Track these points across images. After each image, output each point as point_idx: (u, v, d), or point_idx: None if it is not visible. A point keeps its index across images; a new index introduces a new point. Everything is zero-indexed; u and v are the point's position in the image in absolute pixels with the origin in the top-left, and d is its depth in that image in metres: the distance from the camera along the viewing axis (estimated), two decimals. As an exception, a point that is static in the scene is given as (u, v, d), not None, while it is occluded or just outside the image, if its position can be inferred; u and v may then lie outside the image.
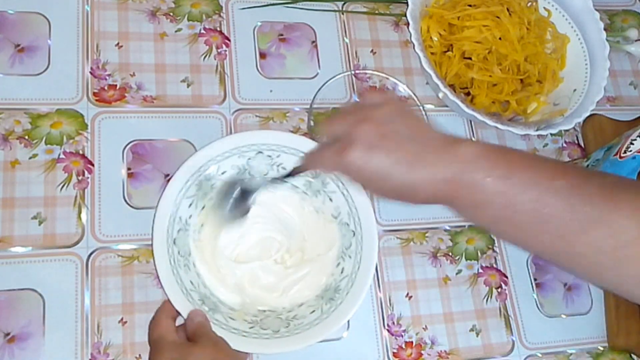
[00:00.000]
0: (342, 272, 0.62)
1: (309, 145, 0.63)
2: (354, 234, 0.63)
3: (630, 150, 0.65)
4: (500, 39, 0.76)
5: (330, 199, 0.65)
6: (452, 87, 0.76)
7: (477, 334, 0.70)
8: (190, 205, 0.61)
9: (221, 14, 0.77)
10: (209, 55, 0.74)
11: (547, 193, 0.43)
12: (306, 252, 0.65)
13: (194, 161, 0.61)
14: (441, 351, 0.68)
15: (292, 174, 0.55)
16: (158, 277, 0.57)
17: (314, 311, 0.60)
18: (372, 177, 0.46)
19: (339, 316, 0.59)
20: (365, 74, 0.78)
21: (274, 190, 0.64)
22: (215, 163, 0.62)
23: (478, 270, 0.73)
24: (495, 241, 0.74)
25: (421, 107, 0.77)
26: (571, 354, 0.72)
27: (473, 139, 0.79)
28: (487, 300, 0.72)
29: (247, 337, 0.57)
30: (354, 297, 0.60)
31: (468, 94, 0.78)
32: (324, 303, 0.61)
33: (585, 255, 0.42)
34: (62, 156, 0.66)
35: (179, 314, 0.57)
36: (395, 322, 0.68)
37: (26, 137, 0.65)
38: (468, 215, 0.47)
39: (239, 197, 0.59)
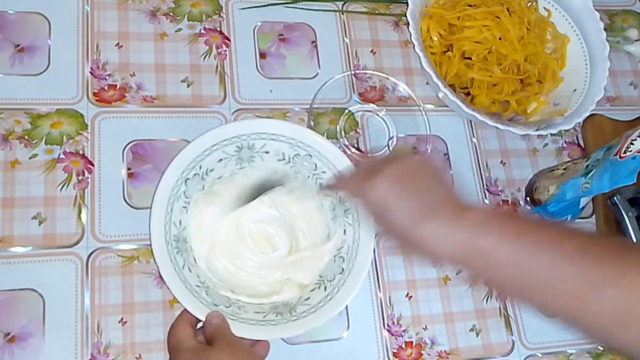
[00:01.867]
0: (341, 255, 0.63)
1: (303, 132, 0.64)
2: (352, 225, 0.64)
3: (630, 150, 0.65)
4: (500, 39, 0.76)
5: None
6: (452, 87, 0.76)
7: (477, 334, 0.70)
8: (185, 206, 0.61)
9: (221, 14, 0.77)
10: (209, 55, 0.74)
11: (558, 255, 0.44)
12: (301, 241, 0.66)
13: (184, 156, 0.61)
14: (441, 351, 0.68)
15: (322, 190, 0.59)
16: (164, 281, 0.56)
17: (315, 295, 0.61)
18: (386, 211, 0.48)
19: (341, 298, 0.60)
20: (365, 74, 0.78)
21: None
22: (211, 153, 0.62)
23: (478, 270, 0.73)
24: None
25: (421, 107, 0.77)
26: (571, 354, 0.72)
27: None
28: (487, 300, 0.72)
29: (255, 324, 0.58)
30: (354, 279, 0.61)
31: (468, 94, 0.78)
32: (324, 287, 0.62)
33: (600, 316, 0.43)
34: (62, 156, 0.66)
35: (197, 319, 0.56)
36: (395, 322, 0.68)
37: (26, 137, 0.65)
38: (483, 277, 0.49)
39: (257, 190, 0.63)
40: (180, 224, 0.60)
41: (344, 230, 0.64)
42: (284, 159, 0.65)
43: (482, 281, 0.50)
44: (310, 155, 0.64)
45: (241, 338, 0.56)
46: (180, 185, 0.60)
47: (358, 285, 0.60)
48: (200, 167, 0.62)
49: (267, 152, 0.64)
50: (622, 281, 0.42)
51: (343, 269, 0.61)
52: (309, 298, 0.61)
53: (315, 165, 0.64)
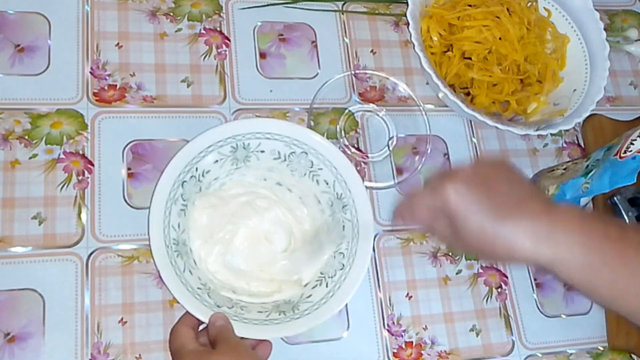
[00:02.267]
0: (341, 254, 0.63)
1: (297, 130, 0.64)
2: (351, 221, 0.64)
3: (630, 150, 0.65)
4: (500, 39, 0.76)
5: (326, 182, 0.65)
6: (452, 87, 0.76)
7: (477, 334, 0.70)
8: (183, 209, 0.62)
9: (221, 14, 0.77)
10: (209, 55, 0.74)
11: None
12: (298, 241, 0.66)
13: (183, 155, 0.61)
14: (441, 351, 0.68)
15: (394, 222, 0.58)
16: (165, 284, 0.56)
17: (314, 294, 0.61)
18: (465, 214, 0.45)
19: (341, 295, 0.60)
20: (365, 74, 0.78)
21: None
22: (207, 154, 0.62)
23: (478, 270, 0.73)
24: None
25: (421, 107, 0.77)
26: (571, 354, 0.72)
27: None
28: (487, 300, 0.72)
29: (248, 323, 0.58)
30: (353, 276, 0.61)
31: (468, 94, 0.78)
32: (325, 284, 0.62)
33: None
34: (62, 156, 0.66)
35: (199, 322, 0.56)
36: (395, 322, 0.68)
37: (26, 137, 0.65)
38: (567, 276, 0.47)
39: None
40: (178, 227, 0.60)
41: (343, 227, 0.64)
42: (279, 157, 0.65)
43: (566, 280, 0.48)
44: (306, 153, 0.64)
45: (244, 339, 0.56)
46: (177, 188, 0.60)
47: (359, 281, 0.60)
48: (197, 169, 0.62)
49: (262, 152, 0.64)
50: None
51: (343, 265, 0.61)
52: (310, 295, 0.61)
53: (312, 162, 0.64)
